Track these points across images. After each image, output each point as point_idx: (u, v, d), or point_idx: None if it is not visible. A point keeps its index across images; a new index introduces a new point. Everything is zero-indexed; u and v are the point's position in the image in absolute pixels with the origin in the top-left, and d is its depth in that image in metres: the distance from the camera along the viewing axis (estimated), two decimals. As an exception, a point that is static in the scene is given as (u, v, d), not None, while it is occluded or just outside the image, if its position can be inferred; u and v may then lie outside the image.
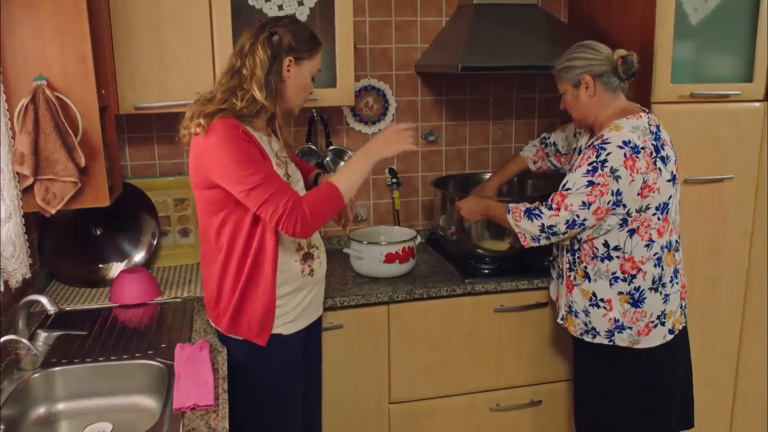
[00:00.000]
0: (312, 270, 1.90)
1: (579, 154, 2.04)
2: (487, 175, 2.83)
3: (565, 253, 2.14)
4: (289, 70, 1.79)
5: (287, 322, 1.87)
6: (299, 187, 1.90)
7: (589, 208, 1.92)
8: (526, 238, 2.05)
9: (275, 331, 1.84)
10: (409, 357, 2.36)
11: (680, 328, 2.08)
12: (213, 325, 1.92)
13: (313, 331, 2.03)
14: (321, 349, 2.15)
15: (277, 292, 1.82)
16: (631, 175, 1.89)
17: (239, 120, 1.74)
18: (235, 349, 1.85)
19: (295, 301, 1.88)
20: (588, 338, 2.11)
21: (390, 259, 2.36)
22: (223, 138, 1.68)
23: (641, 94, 2.31)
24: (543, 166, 2.45)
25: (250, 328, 1.83)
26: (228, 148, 1.68)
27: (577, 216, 1.94)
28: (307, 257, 1.89)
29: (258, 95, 1.74)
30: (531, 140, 2.52)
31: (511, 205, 2.09)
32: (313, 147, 2.70)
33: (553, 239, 2.02)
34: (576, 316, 2.12)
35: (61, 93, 1.81)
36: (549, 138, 2.43)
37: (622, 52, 1.98)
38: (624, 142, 1.90)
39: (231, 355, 1.83)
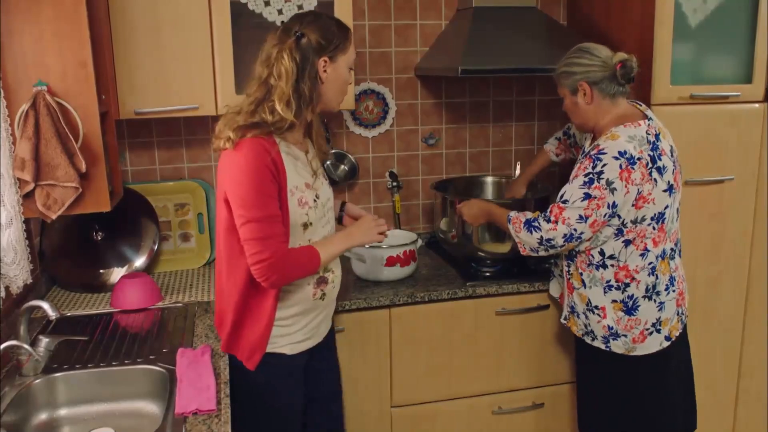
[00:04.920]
0: (324, 294, 1.86)
1: (578, 162, 2.03)
2: (488, 178, 2.85)
3: (563, 258, 2.14)
4: (325, 71, 1.72)
5: (293, 343, 1.84)
6: (328, 207, 1.87)
7: (586, 222, 1.92)
8: (525, 248, 2.06)
9: (279, 350, 1.81)
10: (410, 360, 2.36)
11: (677, 334, 2.07)
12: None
13: (322, 343, 1.97)
14: (335, 356, 2.09)
15: (284, 313, 1.80)
16: (626, 186, 1.89)
17: (275, 134, 1.69)
18: (235, 361, 1.82)
19: (302, 322, 1.84)
20: (588, 340, 2.11)
21: (391, 262, 2.36)
22: (247, 158, 1.64)
23: (641, 95, 2.31)
24: (566, 157, 2.45)
25: (243, 350, 1.81)
26: (247, 172, 1.64)
27: (575, 230, 1.94)
28: (321, 281, 1.85)
29: (281, 110, 1.67)
30: (555, 133, 2.53)
31: (512, 215, 2.09)
32: (314, 151, 2.70)
33: (552, 251, 2.02)
34: (578, 317, 2.12)
35: (61, 98, 1.81)
36: (570, 129, 2.42)
37: (621, 56, 1.96)
38: (620, 153, 1.88)
39: (233, 366, 1.81)
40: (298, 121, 1.71)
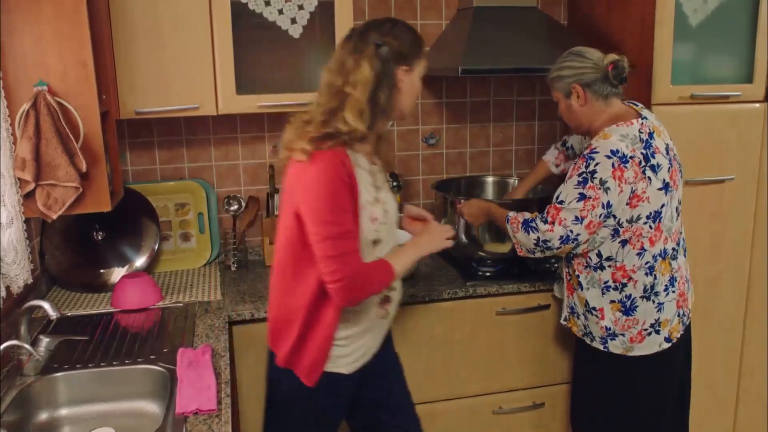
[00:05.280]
0: (387, 313, 1.82)
1: (573, 163, 2.03)
2: (489, 178, 2.85)
3: (564, 259, 2.14)
4: (403, 80, 1.67)
5: (351, 362, 1.77)
6: (395, 220, 1.81)
7: (582, 223, 1.92)
8: (522, 249, 2.07)
9: (336, 370, 1.75)
10: (410, 360, 2.35)
11: (678, 336, 2.07)
12: (271, 350, 1.82)
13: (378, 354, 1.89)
14: (395, 361, 2.01)
15: (346, 332, 1.73)
16: (619, 185, 1.89)
17: (347, 145, 1.63)
18: (286, 378, 1.76)
19: (362, 341, 1.78)
20: (587, 341, 2.11)
21: (391, 262, 2.36)
22: (325, 172, 1.58)
23: (642, 96, 2.31)
24: (565, 168, 2.45)
25: (303, 366, 1.73)
26: (325, 186, 1.58)
27: (571, 231, 1.94)
28: (385, 300, 1.79)
29: (353, 120, 1.60)
30: (553, 143, 2.53)
31: (511, 215, 2.09)
32: (314, 151, 2.70)
33: (548, 253, 2.02)
34: (578, 318, 2.12)
35: (62, 98, 1.81)
36: (568, 141, 2.43)
37: (612, 57, 1.97)
38: (612, 152, 1.89)
39: (280, 382, 1.78)
40: (372, 131, 1.66)
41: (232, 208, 2.64)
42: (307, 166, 1.60)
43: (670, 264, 2.02)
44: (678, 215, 2.04)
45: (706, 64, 2.45)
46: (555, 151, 2.47)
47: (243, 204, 2.66)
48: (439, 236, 1.85)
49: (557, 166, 2.46)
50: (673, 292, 2.03)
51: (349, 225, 1.61)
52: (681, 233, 2.08)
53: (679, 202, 2.04)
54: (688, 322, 2.11)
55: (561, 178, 2.56)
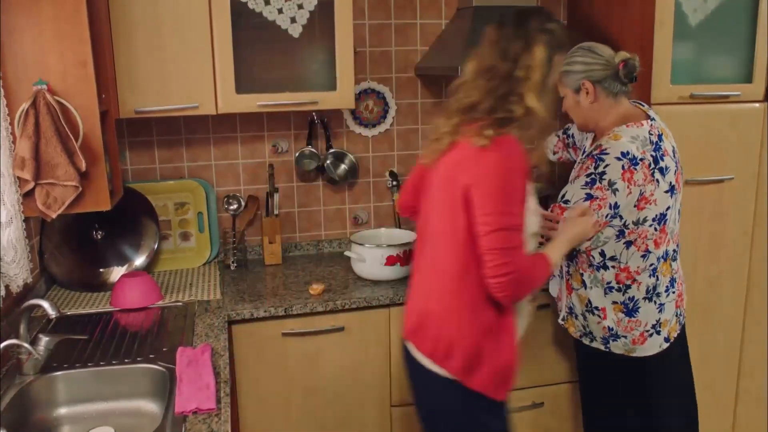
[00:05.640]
0: (534, 311, 1.78)
1: (580, 162, 2.02)
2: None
3: (564, 258, 2.14)
4: (557, 69, 1.65)
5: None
6: (535, 220, 1.73)
7: None
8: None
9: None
10: (410, 359, 2.36)
11: (675, 335, 2.07)
12: (429, 365, 1.69)
13: None
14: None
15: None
16: (628, 187, 1.88)
17: (517, 131, 1.58)
18: (456, 392, 1.66)
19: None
20: (586, 341, 2.10)
21: (391, 261, 2.36)
22: (508, 158, 1.53)
23: (641, 95, 2.31)
24: (563, 156, 2.44)
25: (486, 380, 1.64)
26: (504, 175, 1.52)
27: None
28: (534, 298, 1.75)
29: (536, 104, 1.55)
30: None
31: None
32: (314, 150, 2.70)
33: None
34: (576, 318, 2.12)
35: (61, 97, 1.81)
36: (570, 129, 2.42)
37: (624, 54, 1.95)
38: (622, 154, 1.88)
39: (444, 398, 1.69)
40: (546, 115, 1.60)
41: (231, 207, 2.64)
42: (488, 152, 1.53)
43: (671, 265, 2.02)
44: (679, 217, 2.04)
45: (705, 63, 2.45)
46: (554, 138, 2.46)
47: (242, 203, 2.66)
48: (586, 224, 1.83)
49: (555, 153, 2.46)
50: (673, 293, 2.03)
51: (520, 218, 1.56)
52: (678, 235, 2.08)
53: (680, 205, 2.04)
54: (683, 321, 2.12)
55: (560, 168, 2.56)
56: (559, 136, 2.46)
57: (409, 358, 1.76)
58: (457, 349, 1.63)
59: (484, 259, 1.55)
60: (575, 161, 2.39)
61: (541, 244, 1.84)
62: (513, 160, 1.54)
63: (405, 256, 2.38)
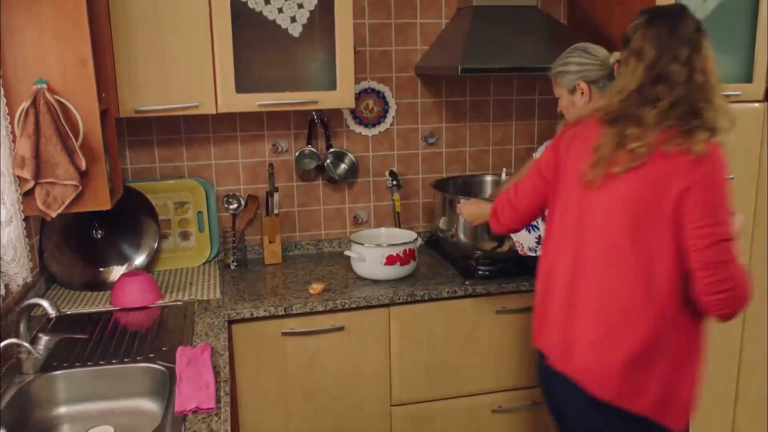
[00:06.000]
0: None
1: None
2: (488, 177, 2.84)
3: None
4: None
5: None
6: None
7: None
8: (523, 247, 2.06)
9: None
10: (410, 359, 2.36)
11: None
12: (601, 395, 1.58)
13: None
14: None
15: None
16: None
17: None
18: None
19: None
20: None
21: (391, 261, 2.36)
22: (724, 168, 1.47)
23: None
24: None
25: (676, 412, 1.55)
26: (722, 184, 1.46)
27: None
28: None
29: (725, 104, 1.50)
30: (545, 141, 2.52)
31: None
32: (314, 150, 2.70)
33: None
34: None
35: (61, 96, 1.81)
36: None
37: (618, 55, 1.95)
38: None
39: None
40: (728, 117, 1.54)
41: (231, 206, 2.64)
42: (707, 160, 1.46)
43: None
44: None
45: (705, 63, 2.45)
46: (544, 148, 2.45)
47: (242, 202, 2.66)
48: None
49: None
50: None
51: (732, 227, 1.48)
52: None
53: None
54: None
55: None
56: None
57: (564, 385, 1.64)
58: (653, 377, 1.54)
59: (696, 276, 1.47)
60: None
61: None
62: (725, 169, 1.49)
63: (405, 255, 2.38)
